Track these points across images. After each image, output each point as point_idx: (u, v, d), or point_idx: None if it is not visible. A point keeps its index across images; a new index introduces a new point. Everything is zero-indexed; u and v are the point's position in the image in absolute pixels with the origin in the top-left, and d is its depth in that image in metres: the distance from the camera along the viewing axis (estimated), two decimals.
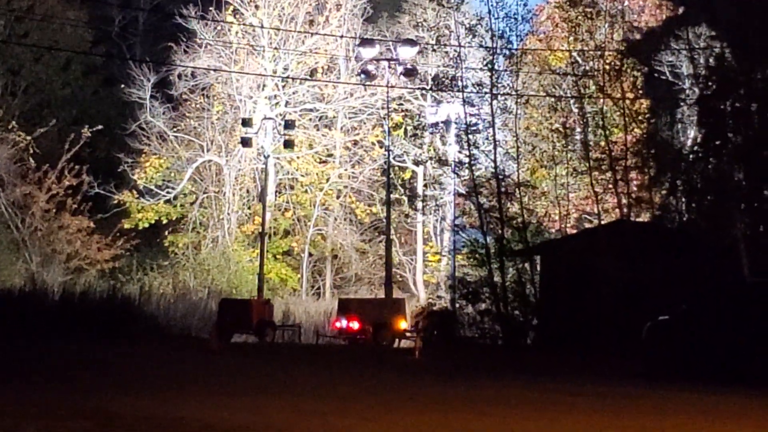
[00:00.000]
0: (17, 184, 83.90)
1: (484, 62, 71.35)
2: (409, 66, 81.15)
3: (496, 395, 35.58)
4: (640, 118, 67.34)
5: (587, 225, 71.42)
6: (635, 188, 66.59)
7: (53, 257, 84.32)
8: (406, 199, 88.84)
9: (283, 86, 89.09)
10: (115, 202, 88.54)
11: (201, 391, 34.66)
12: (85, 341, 58.39)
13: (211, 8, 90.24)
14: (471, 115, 72.53)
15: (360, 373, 45.99)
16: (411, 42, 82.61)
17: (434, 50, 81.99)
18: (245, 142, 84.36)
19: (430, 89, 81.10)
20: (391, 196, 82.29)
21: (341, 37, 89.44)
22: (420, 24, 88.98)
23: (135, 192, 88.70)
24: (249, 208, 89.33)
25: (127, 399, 31.02)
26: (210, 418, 26.95)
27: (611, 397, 35.18)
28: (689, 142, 65.00)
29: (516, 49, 73.53)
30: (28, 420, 25.01)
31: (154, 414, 27.46)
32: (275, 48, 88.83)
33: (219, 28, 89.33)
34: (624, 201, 66.18)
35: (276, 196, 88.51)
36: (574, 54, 70.54)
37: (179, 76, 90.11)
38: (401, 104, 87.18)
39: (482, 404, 32.50)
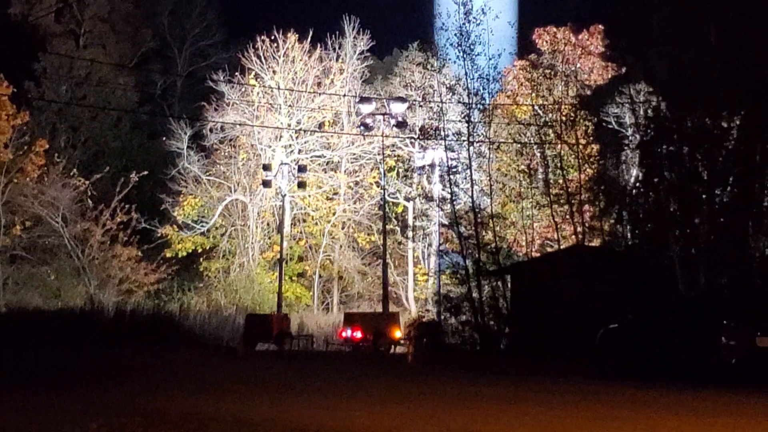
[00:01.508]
0: (78, 221, 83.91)
1: (462, 115, 71.27)
2: (400, 119, 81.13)
3: (476, 392, 35.67)
4: (591, 160, 67.33)
5: (549, 249, 71.28)
6: (588, 218, 66.55)
7: (108, 281, 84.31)
8: (399, 229, 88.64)
9: (297, 137, 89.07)
10: (159, 234, 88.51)
11: (231, 390, 34.79)
12: (134, 350, 58.44)
13: (236, 73, 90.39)
14: (451, 159, 72.65)
15: (362, 374, 46.06)
16: (401, 99, 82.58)
17: (421, 106, 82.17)
18: (265, 184, 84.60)
19: (418, 138, 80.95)
20: (387, 227, 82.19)
21: (344, 96, 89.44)
22: (409, 84, 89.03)
23: (175, 226, 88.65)
24: (269, 238, 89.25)
25: (170, 398, 31.18)
26: (239, 412, 27.11)
27: (571, 393, 35.32)
28: (632, 180, 64.91)
29: (488, 104, 73.49)
30: (89, 417, 25.18)
31: (192, 410, 27.62)
32: (290, 105, 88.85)
33: (243, 89, 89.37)
34: (579, 229, 66.19)
35: (291, 228, 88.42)
36: (536, 107, 70.67)
37: (210, 130, 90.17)
38: (394, 150, 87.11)
39: (463, 399, 32.67)
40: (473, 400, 32.30)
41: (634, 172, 65.17)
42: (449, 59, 73.13)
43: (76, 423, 24.34)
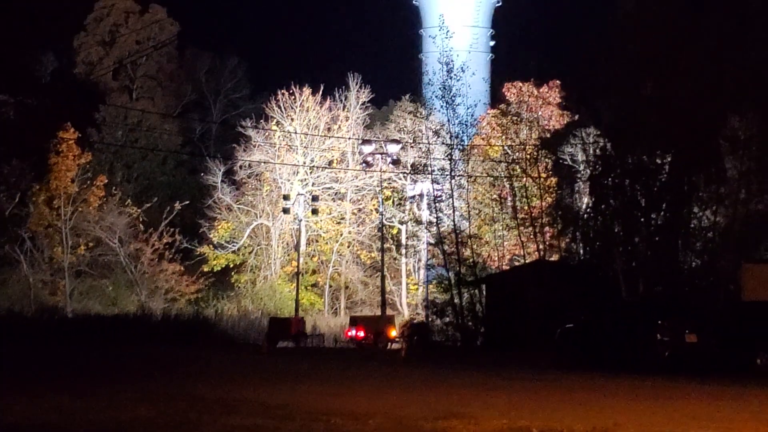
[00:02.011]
0: (131, 242, 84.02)
1: (445, 154, 71.27)
2: (395, 157, 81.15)
3: (458, 380, 35.82)
4: (550, 190, 67.28)
5: (516, 263, 71.10)
6: (548, 238, 66.52)
7: (156, 291, 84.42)
8: (394, 247, 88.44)
9: (311, 172, 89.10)
10: (198, 253, 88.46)
11: (257, 379, 34.95)
12: (177, 348, 58.47)
13: (261, 120, 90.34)
14: (437, 190, 72.68)
15: (364, 366, 46.14)
16: (396, 141, 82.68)
17: (411, 146, 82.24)
18: (285, 211, 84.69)
19: (409, 173, 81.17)
20: (384, 245, 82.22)
21: (349, 138, 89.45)
22: (402, 129, 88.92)
23: (211, 246, 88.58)
24: (288, 255, 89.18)
25: (207, 386, 31.31)
26: (264, 397, 27.27)
27: (535, 380, 35.51)
28: (584, 206, 64.90)
29: (466, 145, 73.60)
30: (139, 402, 25.33)
31: (226, 396, 27.78)
32: (305, 147, 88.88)
33: (267, 133, 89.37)
34: (541, 247, 66.15)
35: (306, 246, 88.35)
36: (506, 148, 70.61)
37: (240, 167, 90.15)
38: (390, 183, 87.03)
39: (447, 386, 32.83)
40: (455, 386, 32.47)
41: (586, 200, 65.28)
42: (435, 108, 73.18)
43: (130, 408, 24.52)
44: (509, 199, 69.32)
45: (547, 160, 68.35)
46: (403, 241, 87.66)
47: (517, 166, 68.00)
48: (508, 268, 70.79)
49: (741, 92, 55.61)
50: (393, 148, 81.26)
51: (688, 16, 58.01)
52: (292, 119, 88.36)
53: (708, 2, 59.82)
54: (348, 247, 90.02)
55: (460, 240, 67.81)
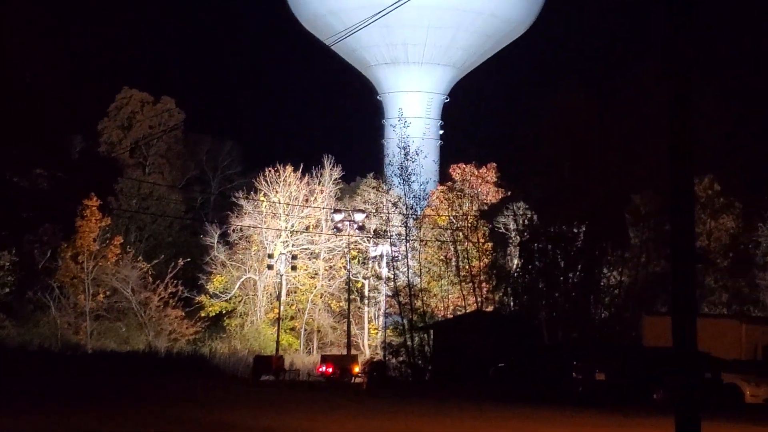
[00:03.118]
0: (141, 292, 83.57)
1: (402, 222, 71.48)
2: (360, 224, 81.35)
3: (410, 409, 35.95)
4: (487, 253, 67.53)
5: (459, 313, 71.07)
6: (485, 292, 66.54)
7: (161, 332, 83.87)
8: (359, 298, 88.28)
9: (291, 235, 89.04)
10: (196, 301, 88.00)
11: (244, 406, 34.98)
12: (178, 380, 58.28)
13: (251, 192, 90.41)
14: (394, 251, 72.68)
15: (333, 397, 46.17)
16: (361, 211, 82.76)
17: (374, 215, 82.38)
18: (269, 267, 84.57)
19: (372, 237, 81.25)
20: (350, 297, 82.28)
21: (323, 208, 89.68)
22: (367, 200, 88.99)
23: (207, 295, 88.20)
24: (271, 303, 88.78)
25: (202, 411, 31.37)
26: (251, 421, 27.39)
27: (472, 410, 35.68)
28: (514, 267, 65.25)
29: (419, 215, 73.82)
30: (146, 424, 25.38)
31: (219, 420, 27.85)
32: (287, 214, 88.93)
33: (255, 203, 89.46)
34: (479, 299, 66.15)
35: (286, 296, 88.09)
36: (451, 218, 70.85)
37: (233, 231, 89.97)
38: (356, 245, 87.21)
39: (399, 413, 32.97)
40: (407, 414, 32.64)
41: (516, 261, 65.59)
42: (394, 185, 73.39)
43: (140, 428, 24.59)
44: (453, 259, 69.44)
45: (484, 228, 68.67)
46: (366, 293, 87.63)
47: (460, 233, 68.20)
48: (451, 316, 70.76)
49: (641, 176, 56.30)
50: (359, 217, 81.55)
51: (599, 115, 58.87)
52: (276, 191, 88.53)
53: (614, 105, 60.61)
54: (320, 297, 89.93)
55: (412, 293, 67.79)
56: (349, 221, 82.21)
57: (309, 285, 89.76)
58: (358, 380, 67.46)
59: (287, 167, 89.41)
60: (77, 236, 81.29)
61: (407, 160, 69.26)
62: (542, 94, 67.53)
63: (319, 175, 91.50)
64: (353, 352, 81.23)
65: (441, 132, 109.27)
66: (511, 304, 63.57)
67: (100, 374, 60.22)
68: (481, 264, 66.95)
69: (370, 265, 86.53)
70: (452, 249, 69.80)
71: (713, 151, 55.22)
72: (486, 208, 72.23)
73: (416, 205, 71.64)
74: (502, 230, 69.91)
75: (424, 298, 70.20)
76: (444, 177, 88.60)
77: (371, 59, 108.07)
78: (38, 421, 25.63)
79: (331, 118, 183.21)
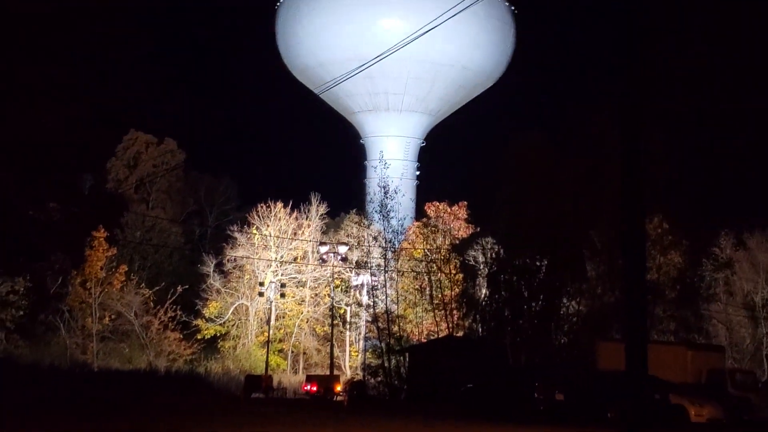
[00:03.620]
0: (143, 316, 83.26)
1: (381, 254, 71.60)
2: (343, 256, 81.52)
3: (387, 424, 35.85)
4: (458, 283, 67.47)
5: (432, 337, 71.04)
6: (456, 319, 66.50)
7: (161, 353, 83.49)
8: (341, 323, 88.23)
9: (280, 266, 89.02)
10: (193, 325, 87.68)
11: (237, 420, 34.83)
12: (176, 396, 57.99)
13: (245, 226, 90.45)
14: (374, 281, 72.71)
15: (318, 412, 46.03)
16: (344, 244, 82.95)
17: (356, 248, 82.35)
18: (260, 294, 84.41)
19: (354, 267, 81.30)
20: (334, 322, 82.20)
21: (309, 241, 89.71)
22: (349, 234, 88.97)
23: (203, 319, 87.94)
24: (261, 327, 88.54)
25: (197, 423, 31.23)
26: None
27: (444, 426, 35.57)
28: (483, 296, 65.26)
29: (397, 248, 73.94)
30: None
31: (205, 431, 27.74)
32: (276, 246, 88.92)
33: (248, 236, 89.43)
34: (450, 325, 66.21)
35: (275, 321, 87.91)
36: (426, 251, 71.05)
37: (227, 261, 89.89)
38: (339, 275, 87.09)
39: (379, 428, 32.87)
40: (384, 428, 32.53)
41: (484, 291, 65.60)
42: (374, 220, 73.51)
43: None
44: (427, 289, 69.50)
45: (456, 260, 68.67)
46: (348, 319, 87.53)
47: (434, 265, 68.31)
48: (425, 340, 70.71)
49: (597, 214, 56.48)
50: (342, 249, 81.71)
51: (558, 159, 59.13)
52: (267, 225, 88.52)
53: (572, 149, 60.89)
54: (306, 322, 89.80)
55: (390, 319, 67.79)
56: (333, 253, 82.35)
57: (296, 311, 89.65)
58: (339, 398, 67.29)
59: (278, 203, 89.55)
60: (86, 264, 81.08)
61: (387, 198, 69.47)
62: (509, 139, 67.65)
63: (306, 211, 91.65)
64: (336, 372, 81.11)
65: (417, 173, 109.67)
66: (480, 329, 63.52)
67: (104, 390, 59.88)
68: (453, 293, 66.96)
69: (352, 293, 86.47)
70: (426, 279, 69.86)
71: (662, 193, 55.46)
72: (457, 242, 72.32)
73: (394, 239, 71.79)
74: (472, 262, 69.91)
75: (401, 324, 70.31)
76: (420, 214, 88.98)
77: (355, 106, 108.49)
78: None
79: (318, 158, 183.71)
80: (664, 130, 55.43)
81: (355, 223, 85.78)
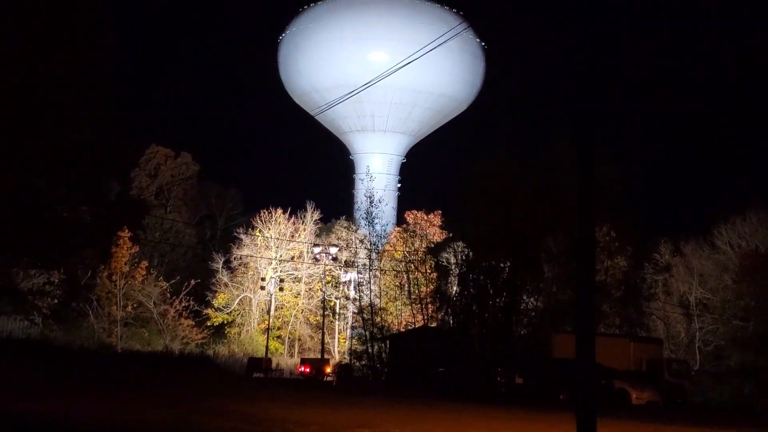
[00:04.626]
0: (161, 305, 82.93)
1: (366, 255, 71.61)
2: (334, 256, 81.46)
3: (370, 402, 35.79)
4: (432, 281, 67.40)
5: (409, 327, 70.94)
6: (430, 312, 66.40)
7: (176, 337, 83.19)
8: (331, 314, 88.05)
9: (279, 263, 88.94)
10: (204, 313, 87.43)
11: (241, 397, 34.70)
12: (187, 375, 57.69)
13: (249, 229, 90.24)
14: (360, 278, 72.64)
15: (309, 391, 45.89)
16: (335, 245, 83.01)
17: (345, 249, 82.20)
18: (262, 288, 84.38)
19: (343, 266, 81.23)
20: (325, 312, 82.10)
21: (305, 243, 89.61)
22: (339, 237, 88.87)
23: (213, 309, 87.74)
24: (262, 317, 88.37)
25: (205, 400, 31.08)
26: (246, 409, 27.13)
27: (419, 404, 35.52)
28: (454, 292, 65.16)
29: (380, 250, 73.97)
30: (159, 408, 25.06)
31: (218, 408, 27.58)
32: (276, 247, 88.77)
33: (252, 238, 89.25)
34: (425, 317, 66.08)
35: (274, 311, 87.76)
36: (405, 252, 70.91)
37: (234, 259, 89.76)
38: (330, 272, 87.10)
39: (362, 407, 32.78)
40: (367, 407, 32.45)
41: (455, 288, 65.57)
42: (361, 226, 73.62)
43: (153, 411, 24.30)
44: (406, 285, 69.40)
45: (431, 261, 68.65)
46: (337, 310, 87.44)
47: (412, 265, 68.25)
48: (404, 330, 70.73)
49: (553, 223, 56.54)
50: (333, 250, 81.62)
51: (519, 173, 59.15)
52: (269, 228, 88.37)
53: (532, 165, 61.00)
54: (301, 312, 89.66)
55: (373, 311, 67.85)
56: (325, 253, 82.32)
57: (293, 303, 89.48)
58: (329, 379, 67.20)
59: (278, 210, 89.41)
60: (112, 260, 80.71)
61: (372, 206, 69.53)
62: (478, 157, 67.72)
63: (302, 217, 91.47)
64: (326, 356, 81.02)
65: (399, 185, 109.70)
66: (451, 321, 63.38)
67: (127, 370, 59.55)
68: (428, 289, 66.90)
69: (341, 288, 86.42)
70: (405, 277, 69.76)
71: (611, 206, 55.55)
72: (432, 245, 72.22)
73: (378, 242, 71.84)
74: (445, 263, 69.90)
75: (383, 315, 70.20)
76: (400, 220, 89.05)
77: (346, 127, 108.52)
78: (78, 402, 25.32)
79: (313, 171, 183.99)
80: (616, 152, 55.52)
81: (345, 227, 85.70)
